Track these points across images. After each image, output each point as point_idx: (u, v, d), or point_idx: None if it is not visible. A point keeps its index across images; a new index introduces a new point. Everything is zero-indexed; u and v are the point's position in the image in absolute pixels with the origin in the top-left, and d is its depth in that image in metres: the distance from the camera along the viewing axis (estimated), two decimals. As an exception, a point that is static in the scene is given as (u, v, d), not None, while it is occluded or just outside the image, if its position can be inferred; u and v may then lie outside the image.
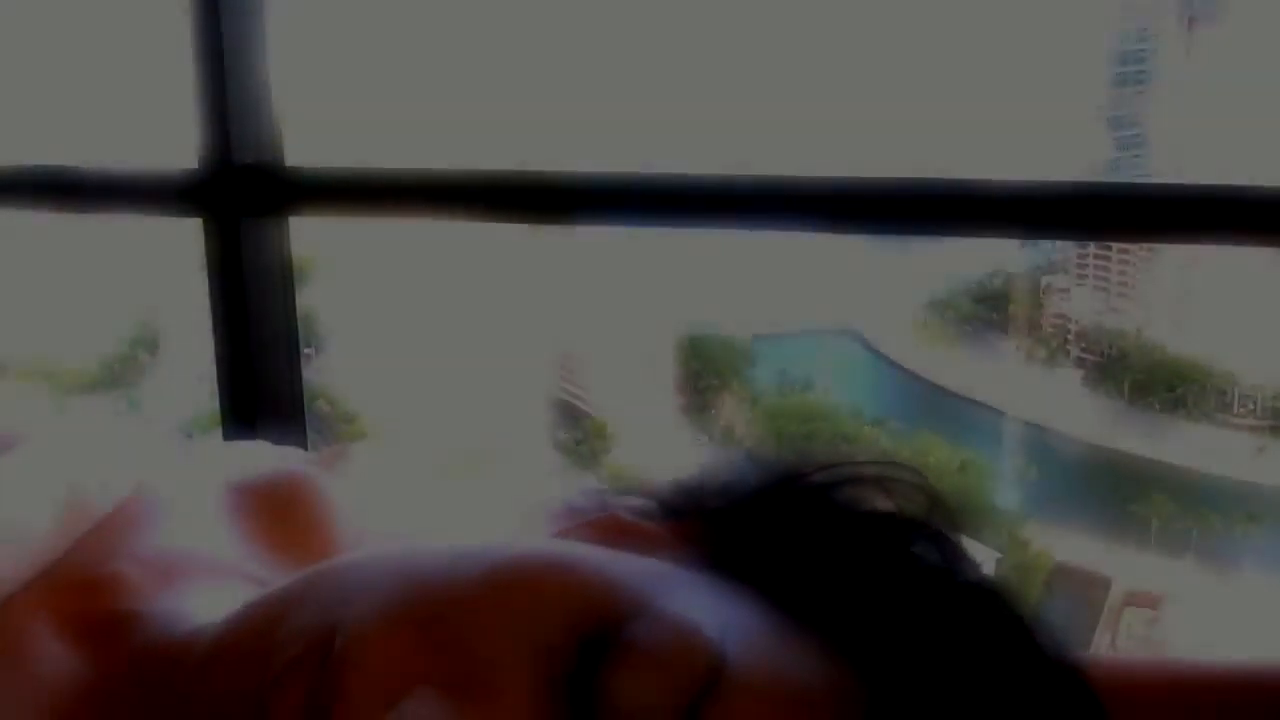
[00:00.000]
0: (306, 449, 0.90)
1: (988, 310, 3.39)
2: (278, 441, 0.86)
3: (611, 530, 0.62)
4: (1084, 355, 3.24)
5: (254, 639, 0.53)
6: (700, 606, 0.53)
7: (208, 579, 0.66)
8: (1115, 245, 2.86)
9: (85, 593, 0.63)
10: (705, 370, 3.25)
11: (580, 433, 3.02)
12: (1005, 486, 3.27)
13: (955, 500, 0.62)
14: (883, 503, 0.61)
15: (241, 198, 1.48)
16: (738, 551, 0.60)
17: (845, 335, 3.52)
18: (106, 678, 0.61)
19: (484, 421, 2.79)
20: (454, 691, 0.50)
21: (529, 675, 0.50)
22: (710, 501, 0.63)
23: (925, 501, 0.62)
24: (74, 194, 1.58)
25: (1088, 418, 3.27)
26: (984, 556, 0.62)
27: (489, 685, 0.50)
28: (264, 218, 1.49)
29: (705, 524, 0.62)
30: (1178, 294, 3.11)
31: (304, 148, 1.54)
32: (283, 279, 1.50)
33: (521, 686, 0.50)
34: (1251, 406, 3.09)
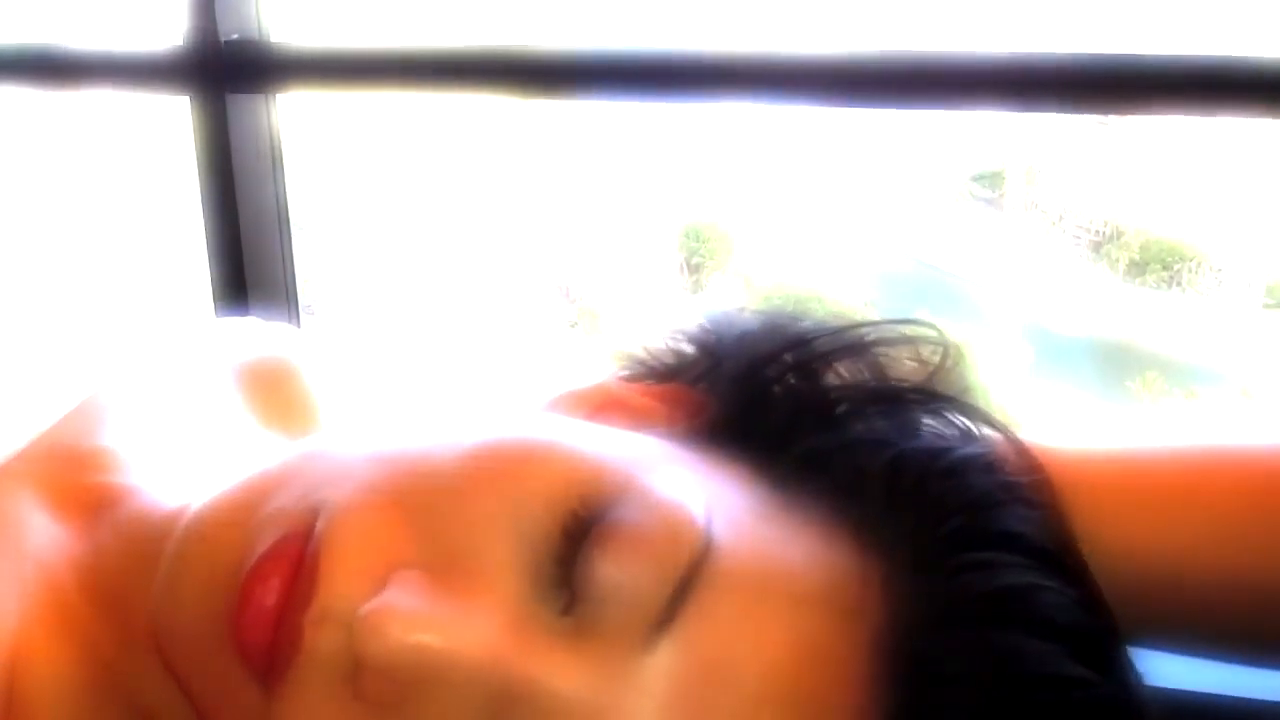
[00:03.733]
0: (298, 328, 0.89)
1: (984, 188, 3.37)
2: (269, 320, 0.86)
3: (603, 403, 0.62)
4: (1079, 233, 3.23)
5: (238, 519, 0.53)
6: (689, 486, 0.53)
7: (196, 455, 0.66)
8: (1113, 122, 2.84)
9: (73, 466, 0.63)
10: (701, 251, 3.24)
11: (574, 313, 3.01)
12: (999, 366, 3.28)
13: (967, 362, 0.61)
14: (892, 368, 0.61)
15: (228, 74, 1.46)
16: (736, 422, 0.59)
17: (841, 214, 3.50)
18: (95, 550, 0.61)
19: (478, 301, 2.79)
20: (436, 575, 0.50)
21: (512, 558, 0.50)
22: (708, 368, 0.62)
23: (944, 360, 0.61)
24: (60, 71, 1.56)
25: (1083, 296, 3.27)
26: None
27: (472, 568, 0.50)
28: (251, 94, 1.48)
29: (702, 393, 0.62)
30: (1174, 171, 3.09)
31: (291, 24, 1.52)
32: (271, 156, 1.49)
33: (504, 569, 0.50)
34: (1245, 284, 3.08)
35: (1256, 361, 3.13)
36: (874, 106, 1.29)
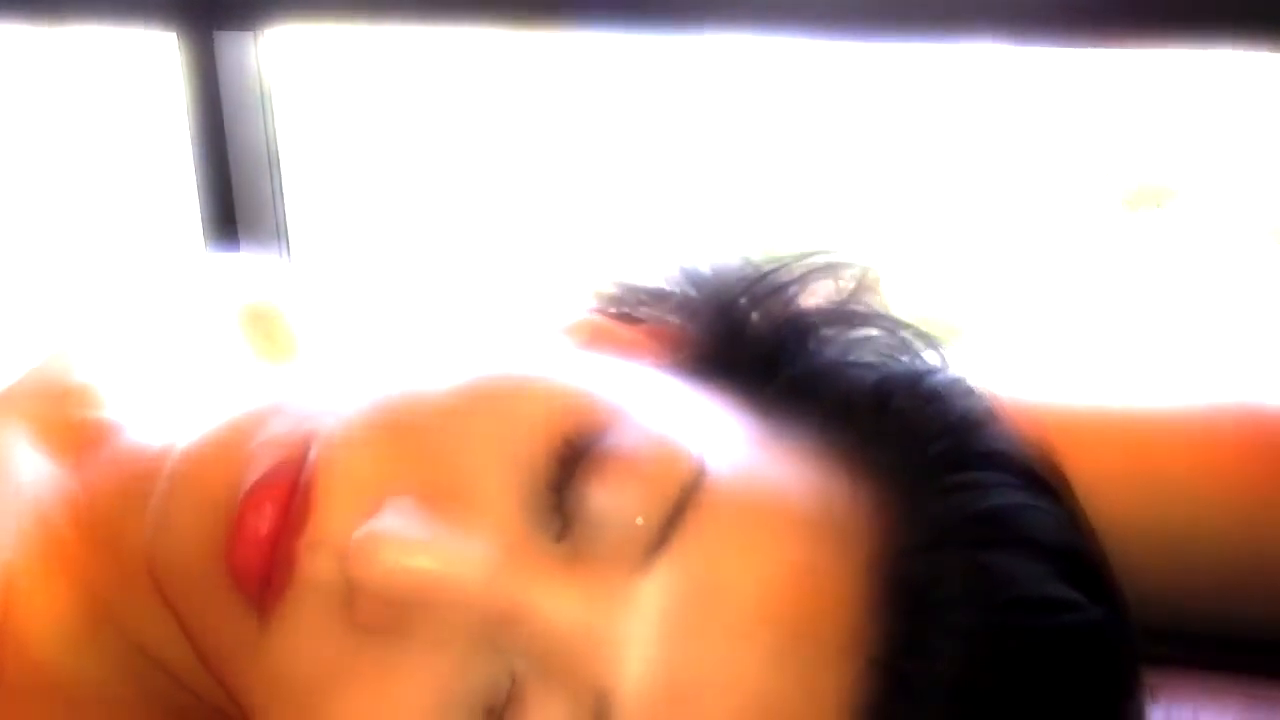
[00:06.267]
0: (290, 265, 0.89)
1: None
2: (260, 257, 0.86)
3: (592, 335, 0.61)
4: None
5: (231, 448, 0.53)
6: (680, 414, 0.53)
7: (188, 390, 0.66)
8: (1104, 58, 2.82)
9: (62, 402, 0.63)
10: (692, 191, 3.22)
11: (562, 250, 3.01)
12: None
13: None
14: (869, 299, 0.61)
15: (215, 9, 1.45)
16: (720, 353, 0.59)
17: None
18: (87, 485, 0.61)
19: (467, 237, 2.78)
20: (430, 502, 0.50)
21: (506, 484, 0.50)
22: (695, 300, 0.62)
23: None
24: (43, 4, 1.54)
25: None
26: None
27: (465, 495, 0.50)
28: (240, 31, 1.47)
29: (690, 322, 0.62)
30: (1170, 108, 3.07)
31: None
32: (261, 93, 1.48)
33: (499, 496, 0.50)
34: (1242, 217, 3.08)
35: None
36: (867, 39, 1.28)
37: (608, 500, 0.49)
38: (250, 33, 1.48)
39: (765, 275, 0.61)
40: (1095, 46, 1.22)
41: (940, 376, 0.57)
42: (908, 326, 0.60)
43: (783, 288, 0.60)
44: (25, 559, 0.59)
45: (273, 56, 1.51)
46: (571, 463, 0.50)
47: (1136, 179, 3.08)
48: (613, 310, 0.63)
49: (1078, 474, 0.59)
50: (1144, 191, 3.08)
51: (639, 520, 0.49)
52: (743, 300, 0.60)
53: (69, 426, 0.63)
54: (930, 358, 0.60)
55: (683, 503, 0.49)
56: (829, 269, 0.61)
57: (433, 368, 0.54)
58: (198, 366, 0.68)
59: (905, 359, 0.59)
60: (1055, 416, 0.65)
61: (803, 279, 0.61)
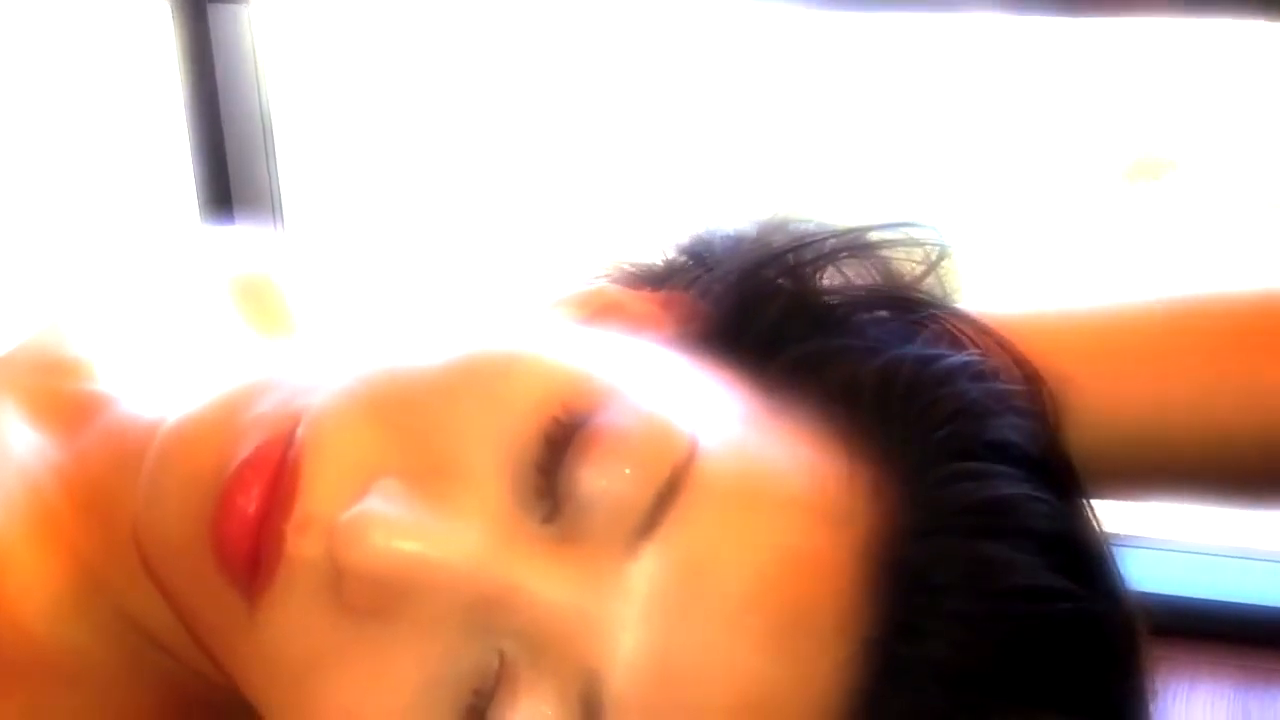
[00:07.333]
0: (284, 237, 0.89)
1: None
2: (255, 229, 0.85)
3: (599, 307, 0.61)
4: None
5: (219, 424, 0.52)
6: (675, 390, 0.52)
7: (180, 364, 0.66)
8: (1104, 29, 2.81)
9: (54, 375, 0.63)
10: (697, 160, 3.21)
11: (563, 218, 2.99)
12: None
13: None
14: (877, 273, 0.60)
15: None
16: (729, 327, 0.58)
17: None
18: (78, 457, 0.60)
19: (467, 208, 2.77)
20: (418, 483, 0.49)
21: (495, 465, 0.49)
22: (701, 273, 0.62)
23: (935, 261, 0.60)
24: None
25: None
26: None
27: (454, 476, 0.49)
28: (233, 1, 1.46)
29: (695, 298, 0.61)
30: (1170, 80, 3.06)
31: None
32: (254, 64, 1.47)
33: (488, 477, 0.49)
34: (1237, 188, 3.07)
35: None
36: (868, 9, 1.27)
37: (597, 481, 0.48)
38: (243, 3, 1.47)
39: (780, 250, 0.60)
40: (1095, 17, 1.21)
41: (950, 360, 0.56)
42: (929, 299, 0.59)
43: (798, 264, 0.59)
44: (18, 532, 0.58)
45: (266, 27, 1.51)
46: (562, 443, 0.49)
47: (1136, 151, 3.08)
48: (623, 280, 0.62)
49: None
50: (1144, 164, 3.07)
51: (627, 502, 0.48)
52: (756, 274, 0.59)
53: (62, 399, 0.62)
54: (947, 338, 0.58)
55: (674, 483, 0.48)
56: (852, 247, 0.60)
57: (424, 344, 0.54)
58: (191, 339, 0.68)
59: (919, 341, 0.57)
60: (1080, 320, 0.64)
61: (819, 254, 0.60)
